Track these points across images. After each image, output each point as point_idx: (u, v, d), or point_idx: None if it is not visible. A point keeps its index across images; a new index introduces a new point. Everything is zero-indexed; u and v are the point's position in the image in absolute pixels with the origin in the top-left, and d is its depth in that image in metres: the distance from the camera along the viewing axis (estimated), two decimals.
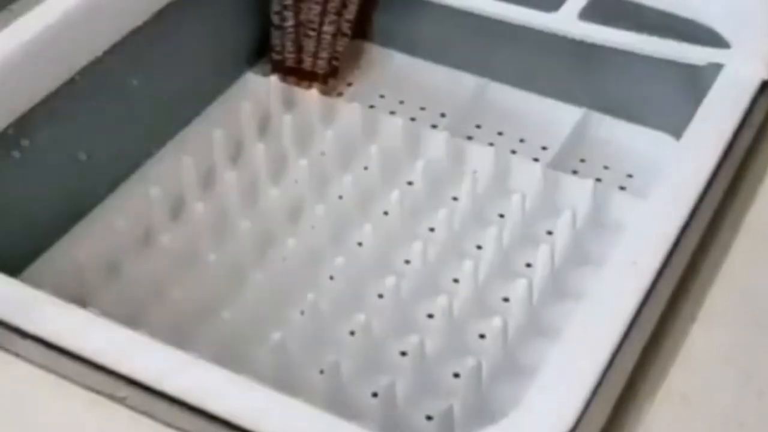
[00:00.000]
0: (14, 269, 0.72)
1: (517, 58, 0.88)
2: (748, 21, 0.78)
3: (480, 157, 0.83)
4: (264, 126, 0.87)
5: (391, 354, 0.72)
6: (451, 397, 0.67)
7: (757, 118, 0.71)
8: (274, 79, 0.89)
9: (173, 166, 0.82)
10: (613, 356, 0.56)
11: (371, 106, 0.91)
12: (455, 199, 0.82)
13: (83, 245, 0.76)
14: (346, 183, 0.81)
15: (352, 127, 0.87)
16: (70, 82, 0.75)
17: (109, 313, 0.63)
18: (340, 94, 0.91)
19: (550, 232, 0.79)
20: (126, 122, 0.81)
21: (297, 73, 0.91)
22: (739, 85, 0.72)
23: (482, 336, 0.72)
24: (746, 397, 0.55)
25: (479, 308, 0.73)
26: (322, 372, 0.69)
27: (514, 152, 0.85)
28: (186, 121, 0.87)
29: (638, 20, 0.80)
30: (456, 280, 0.76)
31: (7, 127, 0.72)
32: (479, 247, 0.78)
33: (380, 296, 0.75)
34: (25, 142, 0.74)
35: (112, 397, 0.54)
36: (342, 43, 0.90)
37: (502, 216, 0.81)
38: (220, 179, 0.82)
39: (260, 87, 0.90)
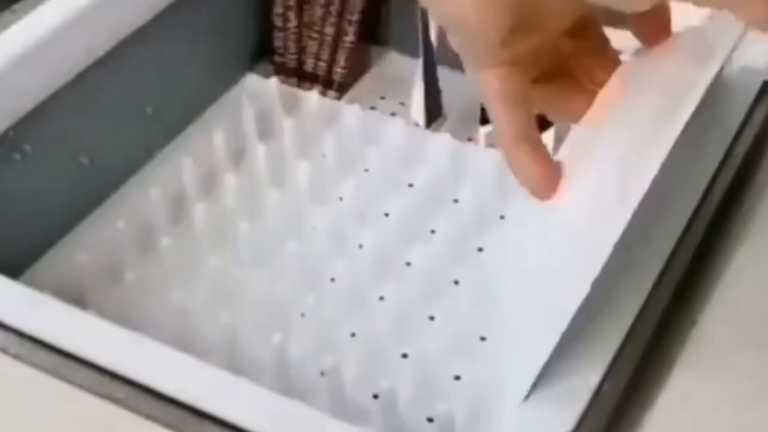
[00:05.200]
0: (15, 271, 0.72)
1: None
2: None
3: (481, 158, 0.83)
4: (265, 128, 0.87)
5: (393, 356, 0.72)
6: (453, 399, 0.67)
7: (758, 119, 0.71)
8: (274, 80, 0.89)
9: (174, 168, 0.82)
10: (615, 357, 0.56)
11: (372, 108, 0.91)
12: (456, 201, 0.82)
13: (84, 247, 0.76)
14: (346, 185, 0.81)
15: (352, 129, 0.87)
16: (71, 83, 0.75)
17: (109, 314, 0.63)
18: (340, 96, 0.91)
19: None
20: (127, 124, 0.81)
21: (299, 75, 0.91)
22: (739, 85, 0.72)
23: (483, 338, 0.72)
24: (747, 398, 0.55)
25: (481, 310, 0.73)
26: (322, 374, 0.69)
27: None
28: (187, 123, 0.87)
29: None
30: (457, 282, 0.76)
31: (8, 130, 0.72)
32: (480, 249, 0.78)
33: (381, 298, 0.75)
34: (25, 145, 0.74)
35: (111, 398, 0.54)
36: (348, 48, 0.90)
37: (502, 218, 0.81)
38: (221, 181, 0.82)
39: (261, 89, 0.90)
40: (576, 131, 0.59)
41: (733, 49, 0.58)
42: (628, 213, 0.52)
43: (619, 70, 0.56)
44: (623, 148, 0.57)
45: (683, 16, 0.79)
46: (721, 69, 0.58)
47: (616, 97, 0.58)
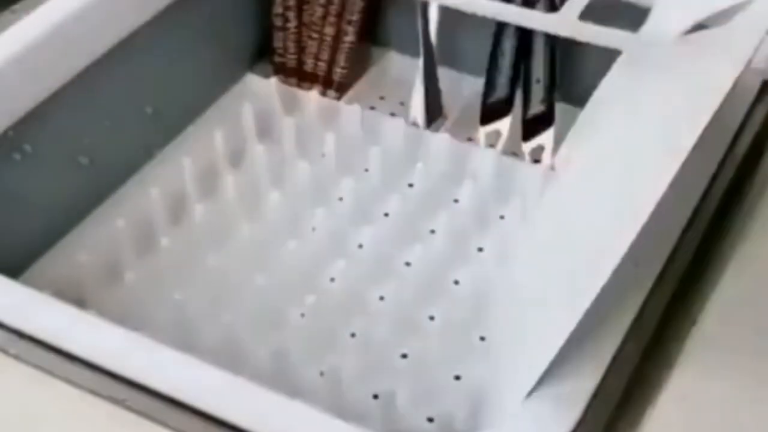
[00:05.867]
0: (14, 270, 0.72)
1: None
2: None
3: (481, 158, 0.83)
4: (264, 128, 0.87)
5: (392, 356, 0.71)
6: (453, 399, 0.67)
7: (758, 118, 0.71)
8: (274, 80, 0.89)
9: (174, 168, 0.82)
10: (615, 357, 0.56)
11: (372, 108, 0.90)
12: (456, 201, 0.82)
13: (83, 247, 0.76)
14: (346, 185, 0.81)
15: (352, 129, 0.87)
16: (71, 83, 0.75)
17: (109, 314, 0.63)
18: (340, 96, 0.91)
19: None
20: (126, 124, 0.81)
21: (298, 75, 0.91)
22: (739, 85, 0.72)
23: (483, 338, 0.72)
24: (746, 398, 0.55)
25: (481, 310, 0.73)
26: (322, 374, 0.69)
27: (515, 154, 0.85)
28: (186, 123, 0.87)
29: (639, 21, 0.80)
30: (457, 282, 0.76)
31: (7, 130, 0.72)
32: (480, 249, 0.78)
33: (381, 298, 0.75)
34: (25, 145, 0.74)
35: (112, 399, 0.54)
36: (348, 48, 0.90)
37: (502, 218, 0.81)
38: (221, 181, 0.82)
39: (261, 88, 0.90)
40: (579, 131, 0.59)
41: (756, 50, 0.58)
42: (639, 224, 0.53)
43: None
44: (637, 157, 0.57)
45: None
46: (745, 68, 0.59)
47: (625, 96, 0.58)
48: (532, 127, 0.85)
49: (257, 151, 0.83)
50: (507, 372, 0.69)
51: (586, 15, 0.79)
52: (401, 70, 0.93)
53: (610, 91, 0.67)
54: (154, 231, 0.78)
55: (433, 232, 0.80)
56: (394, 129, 0.86)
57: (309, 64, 0.91)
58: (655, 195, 0.53)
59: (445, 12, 0.86)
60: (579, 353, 0.56)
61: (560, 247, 0.62)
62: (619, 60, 0.69)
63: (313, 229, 0.79)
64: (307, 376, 0.69)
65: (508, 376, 0.69)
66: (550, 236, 0.64)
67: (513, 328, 0.71)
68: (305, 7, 0.90)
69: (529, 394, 0.55)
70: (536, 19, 0.81)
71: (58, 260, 0.76)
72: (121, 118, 0.80)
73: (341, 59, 0.90)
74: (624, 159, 0.60)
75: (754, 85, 0.72)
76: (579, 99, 0.88)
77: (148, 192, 0.79)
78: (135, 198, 0.80)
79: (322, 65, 0.90)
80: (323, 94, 0.90)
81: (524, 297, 0.65)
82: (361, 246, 0.78)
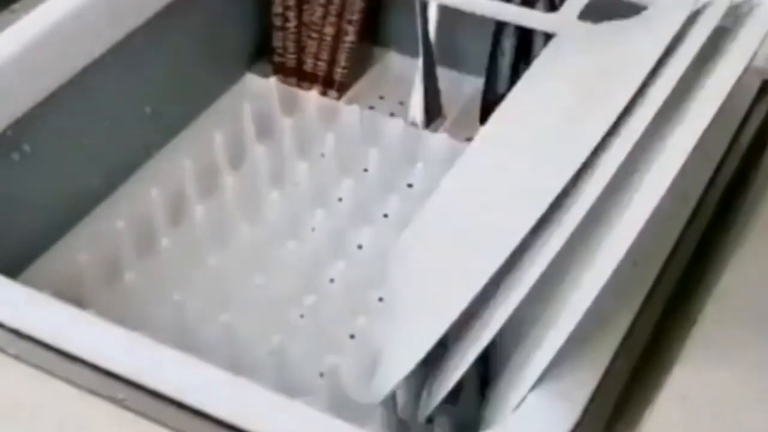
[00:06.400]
0: (13, 270, 0.71)
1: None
2: None
3: None
4: (264, 128, 0.87)
5: None
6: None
7: (758, 118, 0.71)
8: (274, 80, 0.89)
9: (173, 168, 0.82)
10: (614, 357, 0.56)
11: (371, 108, 0.90)
12: None
13: (82, 247, 0.76)
14: (345, 185, 0.81)
15: (352, 129, 0.87)
16: (70, 83, 0.75)
17: (109, 314, 0.63)
18: (340, 96, 0.91)
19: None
20: (125, 124, 0.81)
21: (298, 74, 0.91)
22: (739, 84, 0.72)
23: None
24: (746, 397, 0.55)
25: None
26: (322, 375, 0.69)
27: None
28: (186, 123, 0.87)
29: None
30: None
31: (6, 129, 0.72)
32: None
33: (380, 299, 0.74)
34: (23, 144, 0.74)
35: (111, 399, 0.54)
36: (348, 48, 0.90)
37: None
38: (220, 181, 0.82)
39: (260, 88, 0.90)
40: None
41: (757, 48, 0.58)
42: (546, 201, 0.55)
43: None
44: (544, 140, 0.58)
45: None
46: (746, 69, 0.59)
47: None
48: None
49: (257, 151, 0.83)
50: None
51: (586, 14, 0.79)
52: (401, 70, 0.93)
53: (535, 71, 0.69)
54: (154, 231, 0.78)
55: None
56: (393, 129, 0.86)
57: (309, 64, 0.91)
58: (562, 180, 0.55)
59: (445, 12, 0.86)
60: (578, 352, 0.56)
61: (457, 221, 0.62)
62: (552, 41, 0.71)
63: (313, 229, 0.79)
64: (307, 377, 0.69)
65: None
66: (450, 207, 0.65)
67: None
68: (305, 6, 0.90)
69: (528, 395, 0.55)
70: (536, 19, 0.81)
71: (57, 260, 0.76)
72: (120, 117, 0.80)
73: (342, 59, 0.90)
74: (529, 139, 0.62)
75: (754, 84, 0.72)
76: None
77: (148, 192, 0.79)
78: (134, 198, 0.80)
79: (322, 65, 0.90)
80: (323, 93, 0.90)
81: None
82: (360, 247, 0.78)
